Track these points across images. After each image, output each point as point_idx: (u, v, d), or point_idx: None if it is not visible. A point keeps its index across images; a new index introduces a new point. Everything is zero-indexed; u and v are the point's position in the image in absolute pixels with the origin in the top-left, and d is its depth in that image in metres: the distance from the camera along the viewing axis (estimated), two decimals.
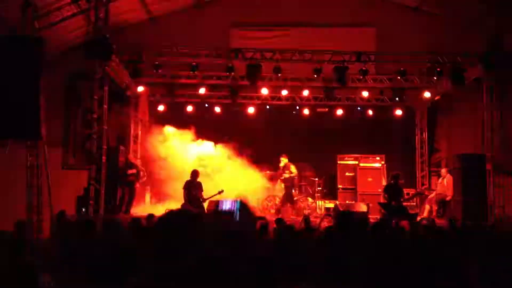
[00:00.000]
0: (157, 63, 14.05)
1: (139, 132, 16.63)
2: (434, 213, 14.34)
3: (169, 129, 15.96)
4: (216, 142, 16.00)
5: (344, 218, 5.27)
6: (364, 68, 14.24)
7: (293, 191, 15.22)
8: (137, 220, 8.28)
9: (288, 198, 14.89)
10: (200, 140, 15.95)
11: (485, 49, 13.23)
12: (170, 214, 3.01)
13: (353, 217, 5.33)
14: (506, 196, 12.89)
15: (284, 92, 16.25)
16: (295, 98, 16.98)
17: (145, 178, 14.68)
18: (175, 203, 13.17)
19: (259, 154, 15.57)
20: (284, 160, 15.13)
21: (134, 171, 14.02)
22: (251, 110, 16.98)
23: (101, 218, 10.57)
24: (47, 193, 11.68)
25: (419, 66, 14.76)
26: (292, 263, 4.15)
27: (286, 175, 14.98)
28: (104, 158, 12.45)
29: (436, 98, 16.29)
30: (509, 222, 11.84)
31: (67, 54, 15.27)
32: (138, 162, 14.86)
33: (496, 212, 12.73)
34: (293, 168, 15.00)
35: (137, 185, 14.22)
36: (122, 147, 14.41)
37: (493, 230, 8.91)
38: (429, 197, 14.68)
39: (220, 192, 12.95)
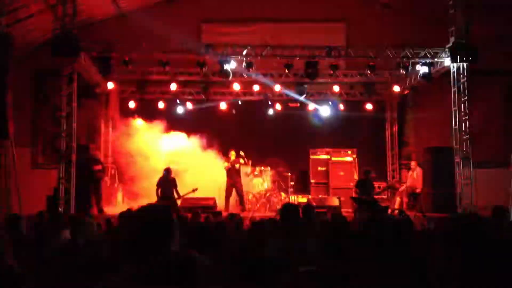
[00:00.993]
0: (127, 59, 13.87)
1: (110, 130, 16.44)
2: (404, 205, 14.57)
3: (139, 123, 15.81)
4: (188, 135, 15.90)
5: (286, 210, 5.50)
6: (334, 63, 14.35)
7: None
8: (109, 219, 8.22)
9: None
10: (172, 132, 15.82)
11: (452, 43, 13.42)
12: (139, 210, 2.93)
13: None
14: (474, 188, 13.15)
15: (256, 88, 16.27)
16: (266, 94, 16.98)
17: (114, 173, 14.51)
18: (149, 202, 13.07)
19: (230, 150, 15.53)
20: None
21: (99, 166, 13.80)
22: (223, 105, 16.93)
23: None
24: (16, 193, 11.48)
25: (389, 61, 14.90)
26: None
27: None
28: (73, 156, 12.27)
29: (405, 92, 16.52)
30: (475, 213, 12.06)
31: (35, 51, 15.01)
32: (108, 159, 14.68)
33: (464, 204, 12.99)
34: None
35: (106, 181, 14.03)
36: (92, 145, 14.23)
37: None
38: (400, 189, 14.91)
39: (194, 190, 12.90)
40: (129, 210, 6.48)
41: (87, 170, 13.31)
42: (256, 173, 15.46)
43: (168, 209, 2.87)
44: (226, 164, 14.65)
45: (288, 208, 5.62)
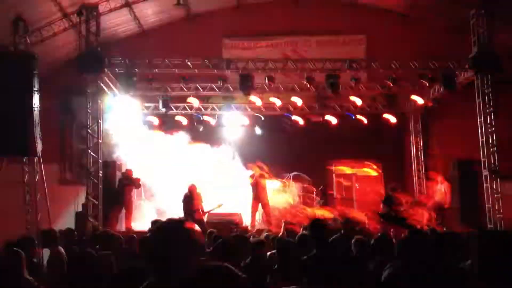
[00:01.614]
0: (149, 76, 14.01)
1: (134, 146, 16.46)
2: (433, 221, 14.33)
3: (163, 139, 15.83)
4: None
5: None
6: (356, 76, 14.29)
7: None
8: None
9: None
10: (196, 144, 15.81)
11: (475, 53, 13.28)
12: (159, 227, 2.98)
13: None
14: (503, 202, 12.88)
15: (278, 102, 16.22)
16: (288, 108, 16.93)
17: (140, 189, 14.55)
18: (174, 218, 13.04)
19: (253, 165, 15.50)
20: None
21: (131, 186, 13.90)
22: (245, 120, 16.90)
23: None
24: (45, 209, 11.59)
25: (411, 72, 14.80)
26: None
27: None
28: (100, 172, 12.36)
29: (429, 103, 16.33)
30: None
31: (60, 69, 15.22)
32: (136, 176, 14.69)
33: (494, 218, 12.72)
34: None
35: (134, 198, 14.09)
36: (119, 161, 14.31)
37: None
38: (428, 205, 14.66)
39: (219, 206, 12.92)
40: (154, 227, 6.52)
41: (113, 187, 13.43)
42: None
43: (185, 225, 2.89)
44: (251, 180, 14.48)
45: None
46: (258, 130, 16.82)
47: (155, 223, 8.00)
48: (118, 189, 13.53)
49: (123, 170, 14.37)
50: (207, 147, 15.86)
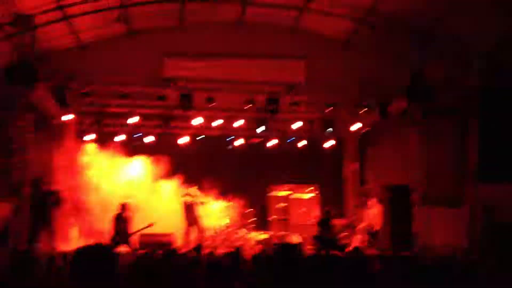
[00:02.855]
0: (86, 91, 13.65)
1: (66, 163, 15.96)
2: (365, 243, 14.59)
3: (96, 156, 15.42)
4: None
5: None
6: (296, 100, 14.47)
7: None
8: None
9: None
10: (132, 158, 15.50)
11: (409, 82, 13.74)
12: (80, 250, 2.91)
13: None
14: (430, 226, 13.29)
15: (217, 122, 16.20)
16: (228, 128, 16.93)
17: (69, 207, 14.06)
18: (103, 237, 12.67)
19: (191, 184, 15.34)
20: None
21: (53, 199, 13.36)
22: (183, 139, 16.75)
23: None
24: None
25: (349, 98, 15.15)
26: None
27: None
28: (27, 189, 11.85)
29: (365, 129, 16.74)
30: (432, 252, 12.20)
31: None
32: (63, 193, 14.19)
33: (421, 242, 13.10)
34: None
35: (58, 215, 13.55)
36: (45, 178, 13.76)
37: (415, 259, 9.17)
38: (358, 227, 14.94)
39: (150, 225, 12.62)
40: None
41: (39, 204, 12.83)
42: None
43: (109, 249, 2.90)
44: (188, 198, 14.32)
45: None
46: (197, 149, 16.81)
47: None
48: (41, 207, 12.98)
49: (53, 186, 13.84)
50: (143, 162, 15.57)
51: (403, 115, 14.55)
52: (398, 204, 14.12)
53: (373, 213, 14.88)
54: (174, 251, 6.54)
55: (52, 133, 15.26)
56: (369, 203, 15.45)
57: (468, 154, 14.41)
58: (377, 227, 14.58)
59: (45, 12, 13.80)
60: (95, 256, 2.88)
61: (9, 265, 7.28)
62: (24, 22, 12.55)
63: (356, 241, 14.53)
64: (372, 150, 17.68)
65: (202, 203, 14.58)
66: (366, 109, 14.83)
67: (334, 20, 16.26)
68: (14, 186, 11.88)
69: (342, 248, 11.80)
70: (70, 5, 14.02)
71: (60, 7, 13.98)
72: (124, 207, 12.74)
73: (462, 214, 15.45)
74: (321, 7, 15.39)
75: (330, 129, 16.58)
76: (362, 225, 14.92)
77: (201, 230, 14.52)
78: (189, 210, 14.31)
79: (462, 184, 16.31)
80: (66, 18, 14.55)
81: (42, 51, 14.53)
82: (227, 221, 15.60)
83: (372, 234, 14.60)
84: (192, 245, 13.61)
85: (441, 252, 11.22)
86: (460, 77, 16.60)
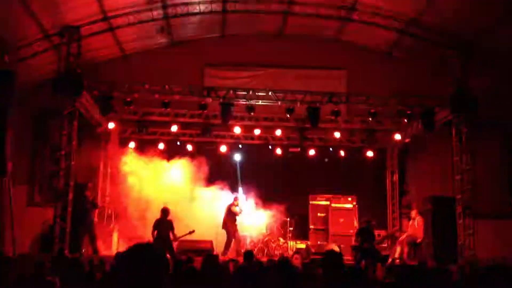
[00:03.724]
0: (129, 100, 13.92)
1: (109, 170, 16.30)
2: (405, 255, 14.31)
3: (138, 164, 15.64)
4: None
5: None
6: (336, 109, 14.38)
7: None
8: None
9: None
10: (172, 162, 15.68)
11: (452, 93, 13.49)
12: (131, 250, 2.86)
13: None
14: (475, 239, 12.96)
15: (257, 132, 16.26)
16: (268, 138, 16.95)
17: (111, 213, 14.31)
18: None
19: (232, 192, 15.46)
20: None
21: (93, 207, 13.69)
22: (223, 148, 16.85)
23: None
24: (9, 231, 11.29)
25: (390, 108, 14.97)
26: None
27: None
28: (70, 195, 12.13)
29: (407, 140, 16.49)
30: (477, 265, 11.86)
31: (38, 90, 15.07)
32: (105, 199, 14.47)
33: (466, 255, 12.78)
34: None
35: (98, 221, 13.82)
36: (90, 184, 14.07)
37: (462, 272, 8.94)
38: (400, 239, 14.65)
39: (191, 232, 12.69)
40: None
41: (82, 210, 13.12)
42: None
43: (158, 250, 2.81)
44: (237, 209, 14.59)
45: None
46: (237, 157, 16.88)
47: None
48: (83, 212, 13.24)
49: (95, 192, 14.15)
50: (183, 170, 15.69)
51: (446, 126, 14.28)
52: (441, 215, 13.83)
53: (415, 225, 14.59)
54: (216, 257, 6.53)
55: (96, 140, 15.62)
56: (411, 214, 15.16)
57: None
58: (419, 239, 14.30)
59: (91, 23, 14.22)
60: (147, 257, 2.81)
61: (53, 269, 7.43)
62: (71, 33, 12.93)
63: (397, 252, 14.27)
64: (414, 161, 17.41)
65: (241, 211, 14.62)
66: (408, 119, 14.58)
67: (376, 30, 16.15)
68: (58, 192, 12.16)
69: (383, 259, 11.57)
70: (115, 16, 14.39)
71: (106, 18, 14.37)
72: (165, 212, 12.83)
73: (508, 226, 15.04)
74: (364, 17, 15.31)
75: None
76: (403, 237, 14.65)
77: (239, 239, 14.55)
78: (230, 218, 14.37)
79: (509, 196, 15.91)
80: (111, 29, 14.94)
81: (88, 61, 14.94)
82: (265, 230, 15.57)
83: (414, 246, 14.31)
84: (232, 254, 13.66)
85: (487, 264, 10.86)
86: (505, 89, 16.27)
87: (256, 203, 15.65)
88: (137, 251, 2.82)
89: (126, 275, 2.75)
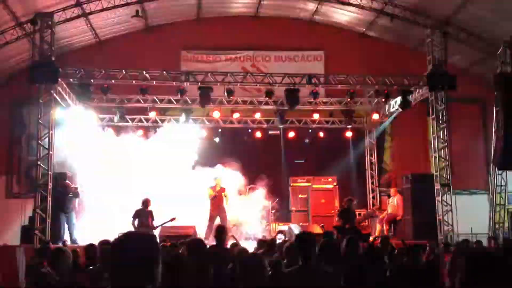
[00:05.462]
0: (106, 86, 13.72)
1: (87, 156, 16.03)
2: (385, 233, 14.52)
3: (117, 151, 15.39)
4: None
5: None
6: (314, 91, 14.39)
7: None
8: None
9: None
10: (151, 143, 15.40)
11: (430, 70, 13.61)
12: (124, 237, 2.81)
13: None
14: (454, 214, 13.21)
15: (236, 115, 16.22)
16: (247, 121, 16.92)
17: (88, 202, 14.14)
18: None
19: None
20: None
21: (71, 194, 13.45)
22: (203, 133, 16.77)
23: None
24: None
25: (367, 88, 15.06)
26: None
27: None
28: (50, 185, 11.98)
29: (384, 119, 16.64)
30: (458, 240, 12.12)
31: (12, 79, 14.81)
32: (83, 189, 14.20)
33: (445, 231, 13.03)
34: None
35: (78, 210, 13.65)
36: (69, 173, 13.90)
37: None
38: (380, 217, 14.86)
39: (172, 219, 12.61)
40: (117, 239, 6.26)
41: (61, 199, 12.93)
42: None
43: (154, 236, 2.82)
44: (211, 192, 14.13)
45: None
46: (216, 139, 16.81)
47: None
48: (63, 201, 13.04)
49: (74, 182, 13.88)
50: (165, 152, 15.45)
51: (424, 104, 14.44)
52: (419, 193, 14.03)
53: (394, 203, 14.78)
54: (201, 241, 6.44)
55: (74, 128, 15.37)
56: (390, 192, 15.36)
57: (491, 141, 14.28)
58: (399, 216, 14.50)
59: (64, 9, 13.96)
60: (140, 243, 2.76)
61: (38, 260, 7.37)
62: (43, 20, 12.66)
63: (378, 230, 14.48)
64: (392, 140, 17.59)
65: (225, 195, 14.41)
66: (385, 98, 14.68)
67: (352, 10, 16.18)
68: (37, 182, 12.00)
69: (365, 237, 11.72)
70: (88, 1, 14.15)
71: (79, 4, 14.12)
72: (145, 203, 12.71)
73: (485, 201, 15.35)
74: None
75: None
76: (383, 215, 14.85)
77: (224, 222, 14.39)
78: (214, 202, 14.10)
79: (485, 172, 16.22)
80: (84, 14, 14.68)
81: (62, 49, 14.69)
82: (247, 212, 15.58)
83: (394, 224, 14.53)
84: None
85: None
86: (481, 65, 16.49)
87: (239, 186, 15.59)
88: (130, 238, 2.79)
89: (120, 263, 2.71)
